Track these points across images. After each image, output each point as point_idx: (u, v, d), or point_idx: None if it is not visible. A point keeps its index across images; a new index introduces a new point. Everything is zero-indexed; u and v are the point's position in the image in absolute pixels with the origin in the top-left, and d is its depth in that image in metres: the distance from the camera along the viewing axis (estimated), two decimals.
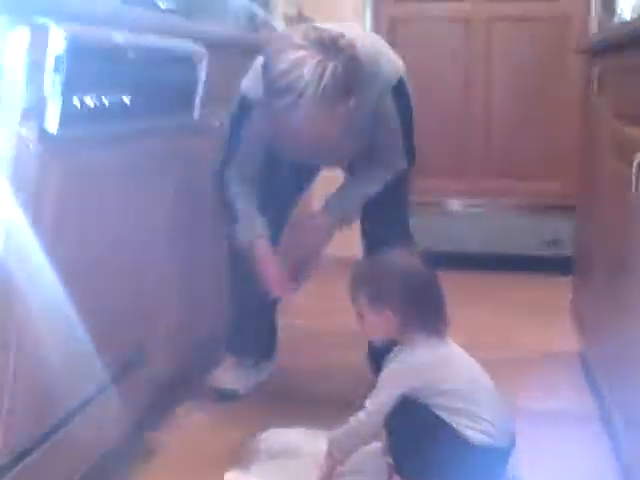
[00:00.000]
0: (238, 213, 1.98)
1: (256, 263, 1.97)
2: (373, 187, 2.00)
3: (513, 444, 1.66)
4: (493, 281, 3.41)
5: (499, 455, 1.64)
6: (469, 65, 3.59)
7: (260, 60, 1.76)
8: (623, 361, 1.73)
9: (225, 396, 2.18)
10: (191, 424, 2.04)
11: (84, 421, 1.51)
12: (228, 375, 2.23)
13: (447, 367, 1.64)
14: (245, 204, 1.98)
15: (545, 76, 3.51)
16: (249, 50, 2.08)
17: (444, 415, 1.60)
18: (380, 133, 1.93)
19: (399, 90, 1.90)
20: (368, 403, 1.65)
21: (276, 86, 1.62)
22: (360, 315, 1.70)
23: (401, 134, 1.95)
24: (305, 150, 1.81)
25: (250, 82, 1.89)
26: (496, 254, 3.54)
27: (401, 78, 1.90)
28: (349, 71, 1.64)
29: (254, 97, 1.85)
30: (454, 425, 1.59)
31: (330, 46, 1.63)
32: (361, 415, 1.64)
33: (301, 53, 1.61)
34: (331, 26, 1.74)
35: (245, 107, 1.92)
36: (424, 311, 1.66)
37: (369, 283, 1.69)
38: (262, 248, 1.98)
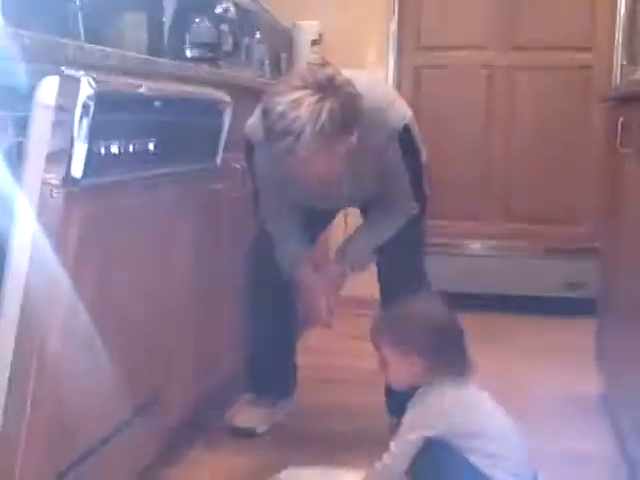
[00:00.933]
0: (283, 243, 2.06)
1: (303, 289, 2.05)
2: (386, 232, 2.03)
3: None
4: (515, 323, 3.41)
5: None
6: (491, 111, 3.62)
7: (259, 111, 1.80)
8: None
9: (242, 434, 2.19)
10: (207, 464, 2.05)
11: (96, 464, 1.53)
12: (245, 414, 2.25)
13: (476, 411, 1.65)
14: (286, 233, 2.06)
15: (567, 122, 3.53)
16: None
17: (471, 457, 1.59)
18: (388, 178, 1.97)
19: (405, 136, 1.93)
20: (393, 446, 1.65)
21: (275, 128, 1.66)
22: (384, 362, 1.71)
23: (409, 180, 1.98)
24: (311, 191, 1.87)
25: (253, 124, 1.94)
26: (517, 296, 3.55)
27: (407, 125, 1.93)
28: (346, 108, 1.67)
29: (255, 139, 1.91)
30: (481, 467, 1.58)
31: (327, 85, 1.66)
32: (386, 458, 1.65)
33: (298, 94, 1.64)
34: (343, 72, 1.77)
35: (249, 149, 1.99)
36: (449, 354, 1.66)
37: (394, 328, 1.70)
38: (309, 274, 2.05)
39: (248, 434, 2.19)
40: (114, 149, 1.34)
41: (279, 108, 1.64)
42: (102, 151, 1.31)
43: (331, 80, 1.67)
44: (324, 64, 1.76)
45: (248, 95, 2.17)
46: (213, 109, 1.81)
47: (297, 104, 1.63)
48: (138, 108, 1.42)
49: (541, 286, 3.54)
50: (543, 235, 3.55)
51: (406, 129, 1.92)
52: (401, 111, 1.94)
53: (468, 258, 3.62)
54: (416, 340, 1.66)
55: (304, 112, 1.62)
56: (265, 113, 1.69)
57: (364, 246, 2.06)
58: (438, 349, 1.66)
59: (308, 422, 2.31)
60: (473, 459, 1.59)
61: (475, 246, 3.63)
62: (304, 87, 1.65)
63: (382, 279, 2.16)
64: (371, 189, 2.02)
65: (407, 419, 1.66)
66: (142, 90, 1.42)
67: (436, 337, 1.66)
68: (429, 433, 1.61)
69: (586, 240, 3.32)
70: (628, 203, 2.11)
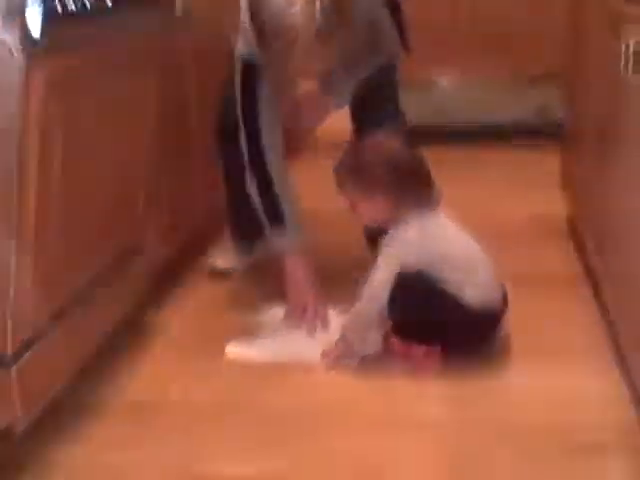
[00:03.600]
0: (283, 215, 1.90)
1: (285, 275, 1.94)
2: (367, 70, 2.00)
3: (506, 307, 1.75)
4: (484, 151, 3.46)
5: (494, 317, 1.74)
6: None
7: (245, 7, 1.71)
8: (608, 226, 1.80)
9: (220, 275, 2.25)
10: (191, 304, 2.12)
11: (85, 307, 1.58)
12: (223, 256, 2.30)
13: (442, 240, 1.71)
14: (290, 203, 1.92)
15: None
16: None
17: (444, 283, 1.68)
18: (374, 29, 1.93)
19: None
20: (370, 281, 1.71)
21: (269, 30, 1.59)
22: (352, 203, 1.75)
23: (395, 28, 1.96)
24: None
25: (245, 45, 1.83)
26: (487, 124, 3.56)
27: None
28: (338, 4, 1.60)
29: (259, 60, 1.79)
30: (454, 291, 1.67)
31: None
32: (364, 296, 1.72)
33: None
34: None
35: (252, 74, 1.86)
36: (414, 190, 1.70)
37: (356, 173, 1.72)
38: (297, 265, 1.92)
39: (226, 274, 2.25)
40: (70, 6, 1.30)
41: (272, 9, 1.57)
42: (58, 8, 1.27)
43: None
44: None
45: None
46: None
47: (290, 3, 1.55)
48: None
49: (510, 113, 3.53)
50: (511, 61, 3.51)
51: None
52: None
53: (436, 90, 3.60)
54: (377, 180, 1.69)
55: (300, 12, 1.55)
56: (255, 14, 1.62)
57: (346, 82, 2.01)
58: (400, 185, 1.69)
59: None
60: (443, 284, 1.68)
61: (442, 78, 3.59)
62: None
63: (358, 116, 2.13)
64: (358, 48, 1.97)
65: (379, 257, 1.72)
66: None
67: (396, 174, 1.69)
68: (398, 267, 1.68)
69: (553, 66, 3.28)
70: (589, 25, 2.08)
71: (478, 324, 1.70)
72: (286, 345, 1.83)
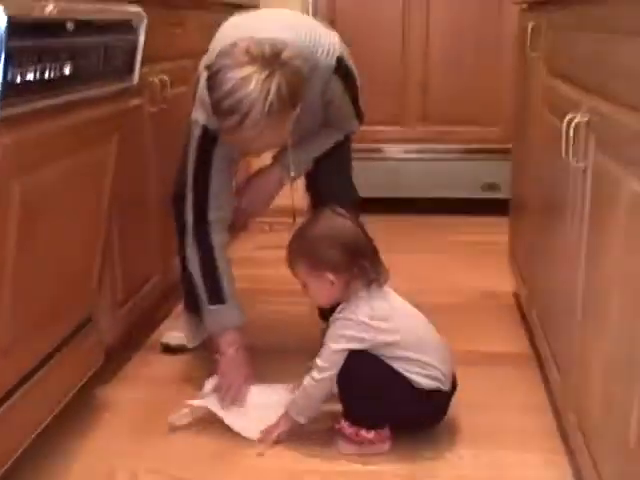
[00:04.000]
0: (222, 291, 1.90)
1: (219, 354, 1.92)
2: (325, 146, 2.05)
3: (455, 386, 1.77)
4: (433, 225, 3.50)
5: (445, 398, 1.74)
6: (408, 18, 3.59)
7: (204, 80, 1.74)
8: (552, 305, 1.83)
9: (173, 351, 2.24)
10: (141, 379, 2.09)
11: (32, 386, 1.56)
12: (177, 330, 2.28)
13: (391, 319, 1.71)
14: (229, 281, 1.91)
15: (483, 24, 3.54)
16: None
17: (395, 364, 1.68)
18: (331, 109, 1.97)
19: (341, 69, 1.91)
20: (319, 361, 1.71)
21: (222, 106, 1.61)
22: (304, 284, 1.76)
23: (351, 105, 1.99)
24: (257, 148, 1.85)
25: (203, 113, 1.83)
26: (435, 198, 3.63)
27: (339, 57, 1.89)
28: (293, 83, 1.64)
29: (212, 126, 1.81)
30: (404, 373, 1.68)
31: (274, 60, 1.61)
32: (314, 374, 1.71)
33: (244, 71, 1.59)
34: (264, 12, 1.78)
35: (210, 139, 1.86)
36: (362, 267, 1.71)
37: (305, 253, 1.73)
38: (233, 343, 1.91)
39: (179, 350, 2.24)
40: (29, 76, 1.31)
41: (227, 85, 1.59)
42: (17, 79, 1.28)
43: (277, 55, 1.62)
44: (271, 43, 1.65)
45: (162, 6, 2.12)
46: (128, 26, 1.76)
47: (246, 81, 1.58)
48: (51, 32, 1.38)
49: (459, 188, 3.62)
50: (460, 137, 3.61)
51: (339, 60, 1.89)
52: (329, 47, 1.88)
53: (387, 162, 3.66)
54: (326, 260, 1.70)
55: (253, 90, 1.58)
56: (211, 88, 1.64)
57: (306, 155, 2.04)
58: (349, 263, 1.70)
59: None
60: (395, 365, 1.69)
61: (394, 150, 3.66)
62: (251, 62, 1.60)
63: (312, 188, 2.17)
64: (316, 126, 2.02)
65: (328, 335, 1.72)
66: (52, 11, 1.37)
67: (345, 252, 1.70)
68: (350, 345, 1.68)
69: (502, 141, 3.38)
70: (534, 106, 2.16)
71: (428, 404, 1.71)
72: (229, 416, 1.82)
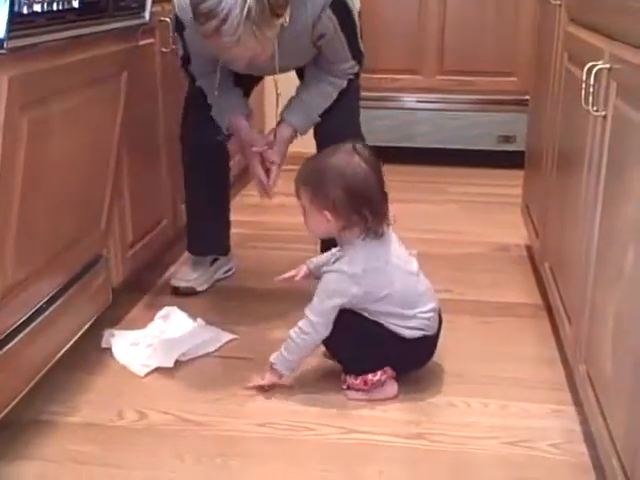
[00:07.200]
0: (219, 98, 2.00)
1: (240, 143, 2.05)
2: (327, 100, 2.03)
3: (441, 321, 1.77)
4: (446, 175, 3.48)
5: (430, 342, 1.75)
6: None
7: None
8: (565, 257, 1.81)
9: (182, 294, 2.23)
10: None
11: (42, 324, 1.56)
12: (186, 273, 2.28)
13: (384, 274, 1.68)
14: (221, 87, 1.99)
15: None
16: None
17: (381, 319, 1.68)
18: (325, 46, 1.92)
19: (337, 4, 1.85)
20: (309, 313, 1.69)
21: (200, 9, 1.57)
22: (304, 210, 1.73)
23: (346, 44, 1.94)
24: (243, 65, 1.81)
25: (181, 3, 1.84)
26: (450, 149, 3.59)
27: None
28: None
29: (184, 17, 1.83)
30: (389, 326, 1.68)
31: None
32: (304, 326, 1.68)
33: None
34: None
35: (179, 26, 1.90)
36: (362, 216, 1.66)
37: (311, 182, 1.69)
38: (245, 126, 2.04)
39: (188, 293, 2.23)
40: (37, 7, 1.28)
41: None
42: (24, 10, 1.25)
43: None
44: None
45: None
46: None
47: None
48: None
49: (474, 139, 3.57)
50: (477, 88, 3.55)
51: None
52: None
53: (402, 111, 3.61)
54: (328, 197, 1.65)
55: None
56: None
57: (308, 112, 2.04)
58: (350, 209, 1.65)
59: (245, 281, 2.36)
60: (381, 319, 1.68)
61: (409, 99, 3.61)
62: None
63: (319, 135, 2.13)
64: (306, 58, 1.98)
65: (320, 286, 1.69)
66: None
67: (349, 196, 1.64)
68: (344, 299, 1.67)
69: (519, 92, 3.33)
70: (554, 55, 2.11)
71: (415, 351, 1.72)
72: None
